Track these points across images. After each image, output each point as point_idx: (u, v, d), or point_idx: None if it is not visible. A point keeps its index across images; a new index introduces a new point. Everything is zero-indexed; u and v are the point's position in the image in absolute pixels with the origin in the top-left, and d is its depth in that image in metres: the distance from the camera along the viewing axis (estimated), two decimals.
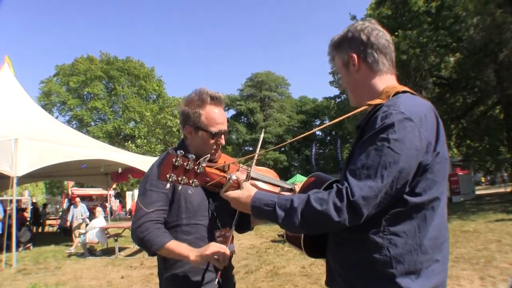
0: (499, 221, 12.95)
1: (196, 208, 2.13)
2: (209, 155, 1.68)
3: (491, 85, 22.58)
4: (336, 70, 1.76)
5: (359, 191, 1.34)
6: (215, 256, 1.90)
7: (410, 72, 20.67)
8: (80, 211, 15.07)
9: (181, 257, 1.97)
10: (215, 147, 2.16)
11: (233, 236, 2.16)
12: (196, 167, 1.59)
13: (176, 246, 1.98)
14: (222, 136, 2.18)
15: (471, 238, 10.26)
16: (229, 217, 2.21)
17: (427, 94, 22.27)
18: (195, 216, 2.13)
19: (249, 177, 1.87)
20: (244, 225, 2.34)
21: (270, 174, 2.19)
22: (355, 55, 1.65)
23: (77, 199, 15.95)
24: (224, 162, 1.98)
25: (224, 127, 2.17)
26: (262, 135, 2.29)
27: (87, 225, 14.44)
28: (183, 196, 2.10)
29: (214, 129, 2.11)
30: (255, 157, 1.98)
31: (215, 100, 2.15)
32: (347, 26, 1.73)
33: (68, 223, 16.43)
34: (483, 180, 51.62)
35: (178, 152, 1.57)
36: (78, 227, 14.64)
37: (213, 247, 1.92)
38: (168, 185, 1.60)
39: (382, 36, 1.65)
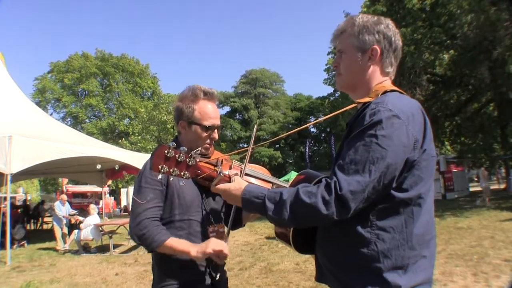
0: (492, 218, 13.04)
1: (189, 204, 2.15)
2: (201, 148, 1.70)
3: (485, 83, 22.63)
4: (342, 46, 1.71)
5: (347, 185, 1.37)
6: (216, 252, 1.93)
7: (404, 70, 20.67)
8: (66, 209, 14.63)
9: (182, 253, 1.99)
10: (208, 141, 2.19)
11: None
12: (187, 159, 1.61)
13: (176, 242, 2.00)
14: (215, 130, 2.21)
15: (465, 234, 10.33)
16: (221, 213, 2.27)
17: (421, 92, 22.33)
18: (188, 212, 2.14)
19: (243, 173, 1.89)
20: (236, 222, 2.34)
21: (262, 171, 2.21)
22: (379, 50, 1.64)
23: (63, 197, 15.37)
24: (217, 158, 2.00)
25: (217, 121, 2.20)
26: (255, 130, 2.31)
27: (70, 225, 14.29)
28: (176, 192, 2.12)
29: (207, 123, 2.15)
30: (248, 153, 2.00)
31: (208, 95, 2.18)
32: (379, 17, 1.70)
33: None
34: (475, 178, 51.77)
35: (171, 144, 1.59)
36: (65, 225, 14.17)
37: (213, 243, 1.95)
38: (160, 176, 1.60)
39: (400, 44, 1.69)
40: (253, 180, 1.99)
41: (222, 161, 1.92)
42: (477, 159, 31.18)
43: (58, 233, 13.75)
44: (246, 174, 1.99)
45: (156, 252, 2.09)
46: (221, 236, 2.14)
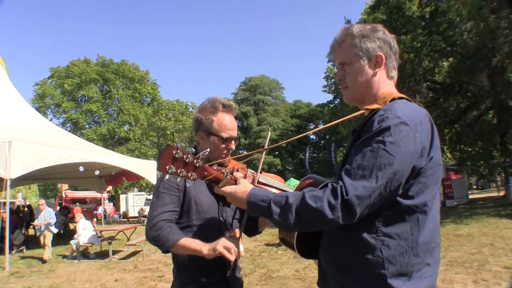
0: (492, 225, 13.03)
1: (205, 210, 2.23)
2: (208, 150, 1.73)
3: (485, 90, 22.68)
4: (344, 58, 1.69)
5: (353, 190, 1.37)
6: (226, 249, 1.97)
7: (404, 77, 20.71)
8: (44, 216, 13.33)
9: (195, 252, 2.04)
10: (225, 151, 2.29)
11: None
12: (195, 161, 1.62)
13: (189, 242, 2.07)
14: (233, 141, 2.31)
15: (465, 242, 10.32)
16: (238, 219, 2.35)
17: (421, 99, 22.37)
18: (205, 217, 2.23)
19: (256, 182, 1.92)
20: (252, 228, 2.41)
21: (277, 180, 2.24)
22: (383, 56, 1.65)
23: (42, 202, 14.23)
24: (233, 167, 2.02)
25: (234, 133, 2.31)
26: (269, 133, 2.35)
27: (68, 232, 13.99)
28: (193, 199, 2.21)
29: (225, 135, 2.24)
30: (261, 161, 2.04)
31: (226, 107, 2.30)
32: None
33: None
34: (474, 185, 51.69)
35: (179, 145, 1.60)
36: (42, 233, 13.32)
37: (223, 241, 2.00)
38: (167, 176, 1.64)
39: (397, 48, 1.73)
40: (267, 188, 2.00)
41: (238, 169, 1.93)
42: (476, 167, 31.19)
43: (43, 240, 12.95)
44: (260, 183, 2.01)
45: (171, 252, 2.17)
46: (237, 242, 2.18)
